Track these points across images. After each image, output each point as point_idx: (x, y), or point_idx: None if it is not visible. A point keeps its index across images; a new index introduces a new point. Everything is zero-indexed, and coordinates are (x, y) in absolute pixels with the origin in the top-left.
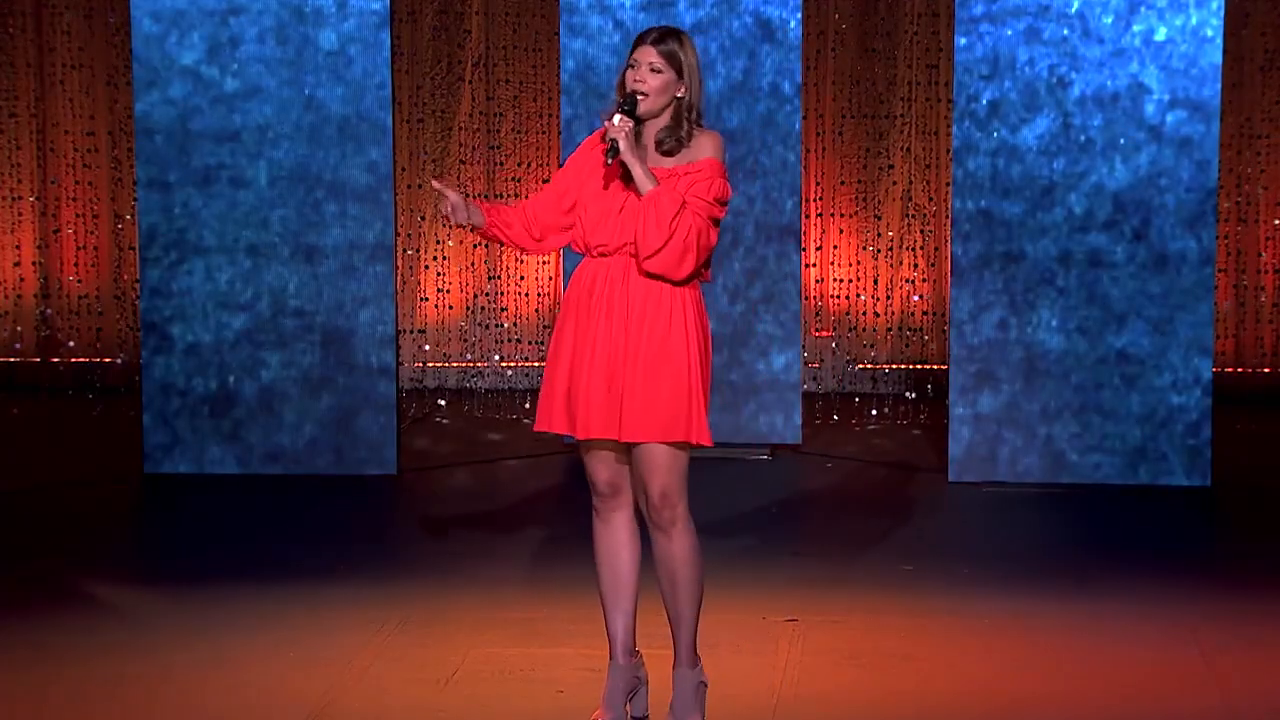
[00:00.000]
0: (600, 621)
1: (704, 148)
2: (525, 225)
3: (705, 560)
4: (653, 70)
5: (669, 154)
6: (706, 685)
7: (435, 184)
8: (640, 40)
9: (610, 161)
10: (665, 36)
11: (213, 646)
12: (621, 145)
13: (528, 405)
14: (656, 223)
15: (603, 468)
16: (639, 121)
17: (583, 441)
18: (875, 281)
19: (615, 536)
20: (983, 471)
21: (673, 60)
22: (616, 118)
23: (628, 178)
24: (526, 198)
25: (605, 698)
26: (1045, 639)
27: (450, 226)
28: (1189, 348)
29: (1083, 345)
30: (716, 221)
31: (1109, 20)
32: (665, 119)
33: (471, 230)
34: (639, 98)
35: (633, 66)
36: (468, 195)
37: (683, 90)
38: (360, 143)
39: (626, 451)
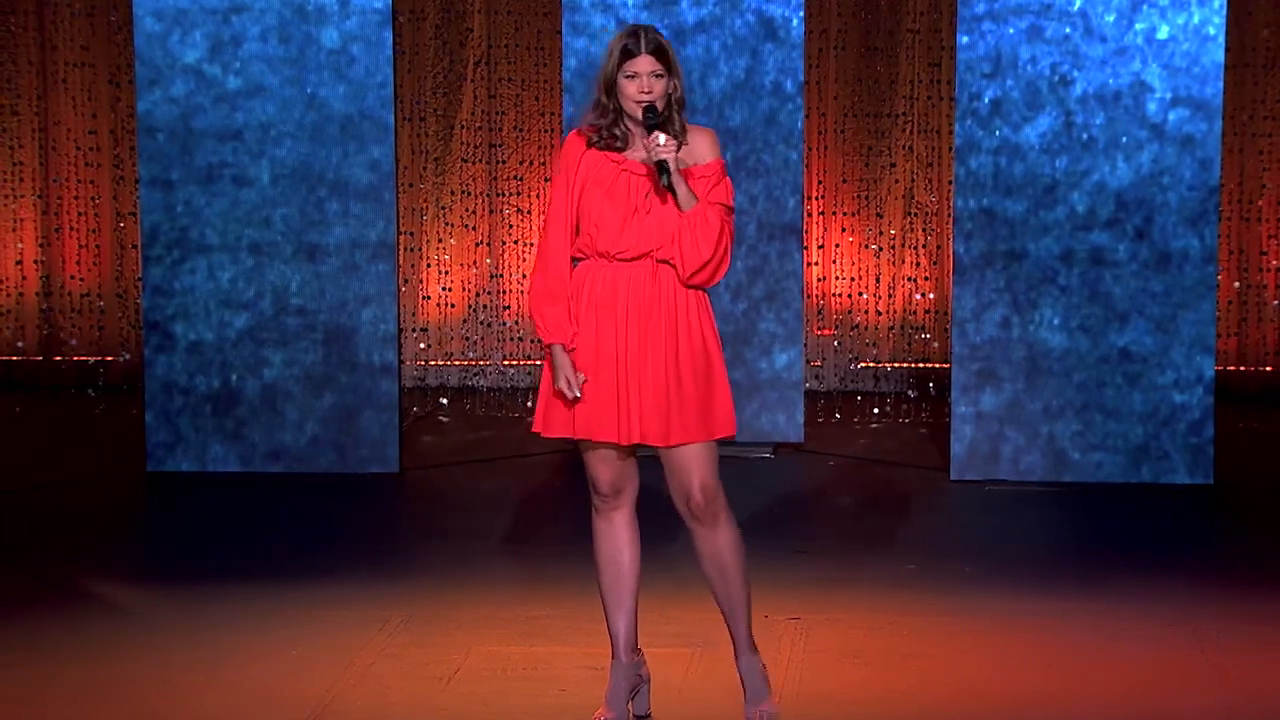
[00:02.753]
0: (602, 620)
1: (704, 147)
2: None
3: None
4: (655, 76)
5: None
6: (766, 668)
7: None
8: (630, 52)
9: (665, 182)
10: (656, 41)
11: (213, 646)
12: (672, 166)
13: (529, 404)
14: (706, 239)
15: (605, 468)
16: (642, 125)
17: (585, 442)
18: (877, 280)
19: (617, 535)
20: (985, 470)
21: (665, 59)
22: (662, 137)
23: (642, 184)
24: (547, 249)
25: (608, 696)
26: (1047, 637)
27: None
28: (1191, 346)
29: (1085, 344)
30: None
31: (1111, 18)
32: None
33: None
34: (656, 105)
35: (631, 77)
36: (568, 349)
37: (674, 85)
38: (362, 141)
39: (631, 453)
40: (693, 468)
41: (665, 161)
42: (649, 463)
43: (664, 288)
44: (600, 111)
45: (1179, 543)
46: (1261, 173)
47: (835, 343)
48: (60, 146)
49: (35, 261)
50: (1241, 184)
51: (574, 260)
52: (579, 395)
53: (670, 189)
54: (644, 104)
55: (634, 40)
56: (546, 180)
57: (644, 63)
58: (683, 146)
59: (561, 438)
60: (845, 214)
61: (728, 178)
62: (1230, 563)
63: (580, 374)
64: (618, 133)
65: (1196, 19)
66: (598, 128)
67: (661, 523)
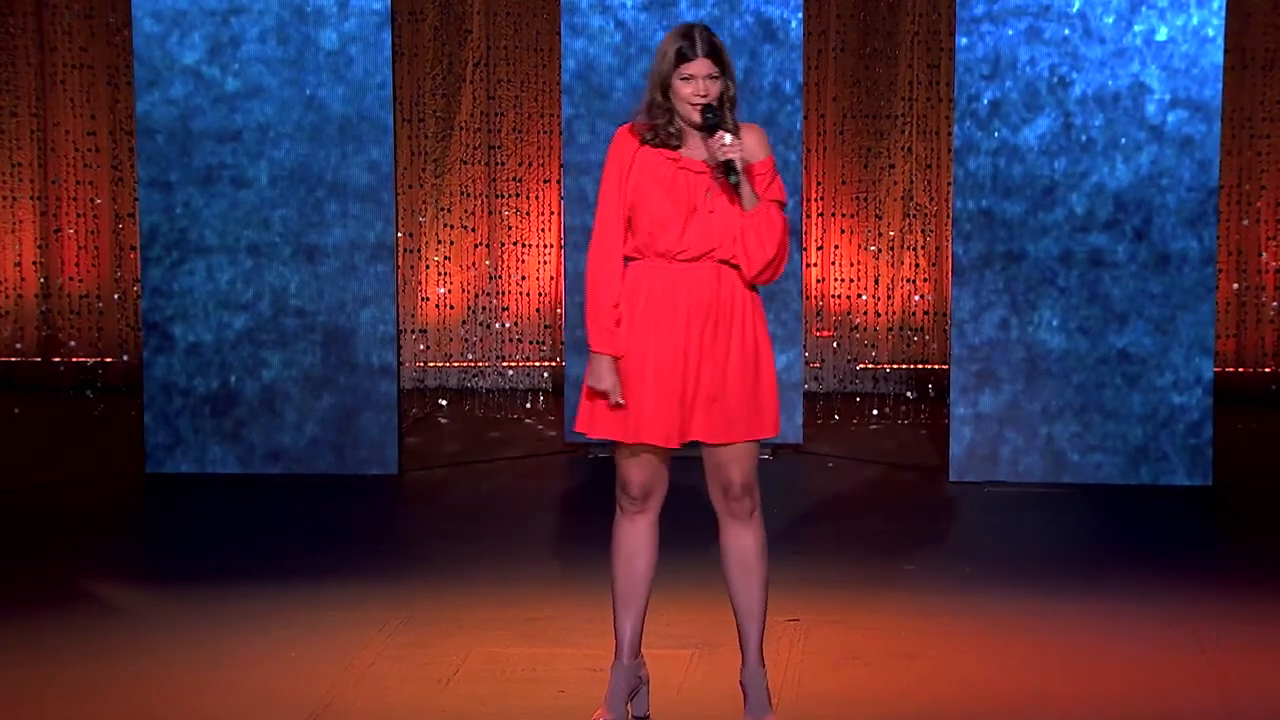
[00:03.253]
0: (604, 621)
1: (755, 145)
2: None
3: (706, 559)
4: (711, 79)
5: None
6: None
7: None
8: (685, 55)
9: (735, 181)
10: (711, 42)
11: (213, 646)
12: (739, 164)
13: (529, 405)
14: (770, 236)
15: (639, 470)
16: (700, 126)
17: (620, 443)
18: (876, 281)
19: (638, 539)
20: (984, 471)
21: (721, 62)
22: (727, 137)
23: (701, 183)
24: (605, 250)
25: (608, 697)
26: (1046, 638)
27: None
28: (1190, 347)
29: (1084, 345)
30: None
31: (1110, 20)
32: None
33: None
34: (714, 105)
35: (687, 80)
36: (612, 360)
37: (728, 86)
38: (361, 142)
39: (668, 457)
40: (735, 463)
41: (732, 161)
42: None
43: (724, 288)
44: (655, 111)
45: (1178, 544)
46: (1260, 174)
47: (834, 344)
48: (59, 148)
49: (34, 263)
50: (1240, 185)
51: (626, 259)
52: (621, 403)
53: (736, 189)
54: (702, 105)
55: (689, 43)
56: (545, 181)
57: (700, 65)
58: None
59: (603, 439)
60: (844, 215)
61: (779, 176)
62: (1230, 563)
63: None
64: (673, 130)
65: (1195, 20)
66: (653, 126)
67: (663, 524)
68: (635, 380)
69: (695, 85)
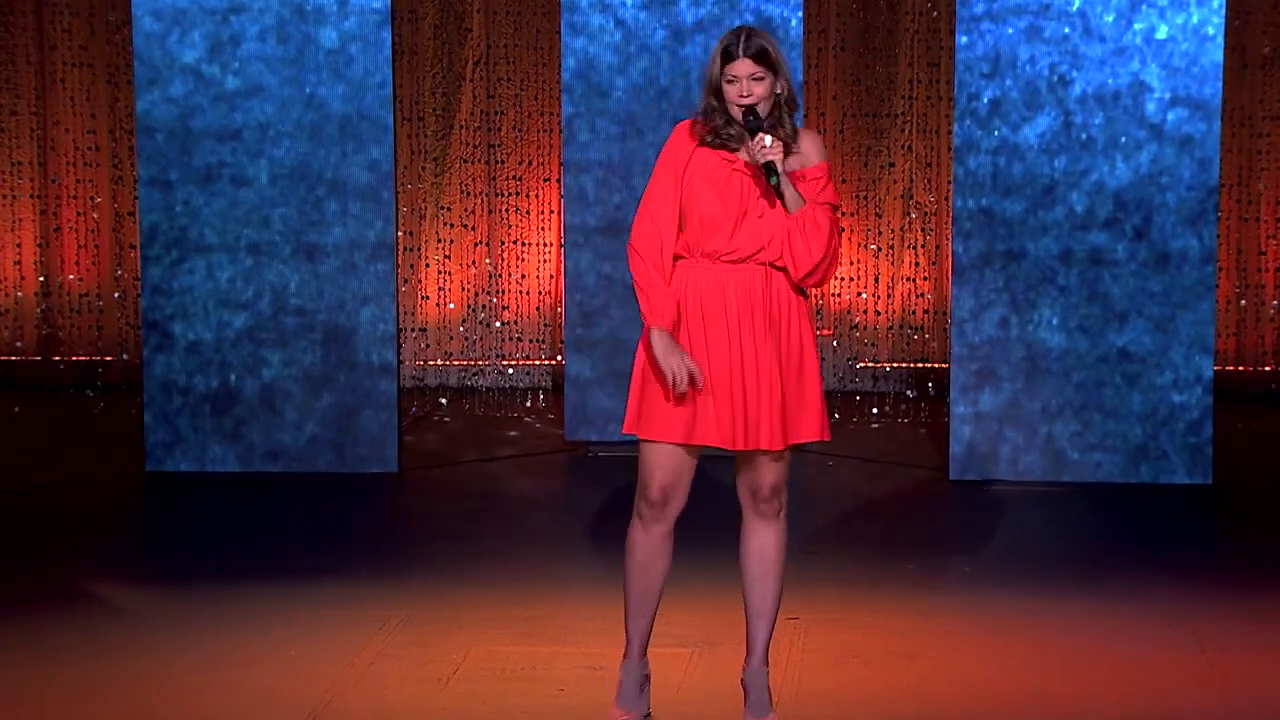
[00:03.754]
0: (603, 620)
1: (812, 149)
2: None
3: (707, 558)
4: (755, 80)
5: (785, 155)
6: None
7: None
8: (729, 54)
9: (775, 183)
10: (755, 42)
11: (213, 646)
12: (780, 167)
13: (529, 404)
14: (818, 240)
15: (662, 473)
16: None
17: (645, 444)
18: (876, 280)
19: (654, 545)
20: (984, 470)
21: (767, 62)
22: (768, 139)
23: (754, 185)
24: (657, 233)
25: (620, 697)
26: (1046, 637)
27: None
28: (1190, 346)
29: (1084, 344)
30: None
31: (1110, 18)
32: (770, 116)
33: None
34: (756, 108)
35: (732, 81)
36: (671, 332)
37: (780, 86)
38: (361, 141)
39: (693, 464)
40: (768, 465)
41: (773, 163)
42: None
43: (773, 289)
44: (710, 115)
45: (1178, 542)
46: (1261, 173)
47: (834, 343)
48: (59, 146)
49: (34, 262)
50: (1241, 184)
51: (675, 258)
52: (697, 383)
53: (778, 191)
54: (743, 107)
55: (734, 43)
56: (545, 180)
57: (742, 66)
58: (794, 151)
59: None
60: (844, 214)
61: (833, 181)
62: (1230, 563)
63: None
64: (732, 132)
65: (1195, 19)
66: (712, 128)
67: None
68: (719, 384)
69: (739, 86)
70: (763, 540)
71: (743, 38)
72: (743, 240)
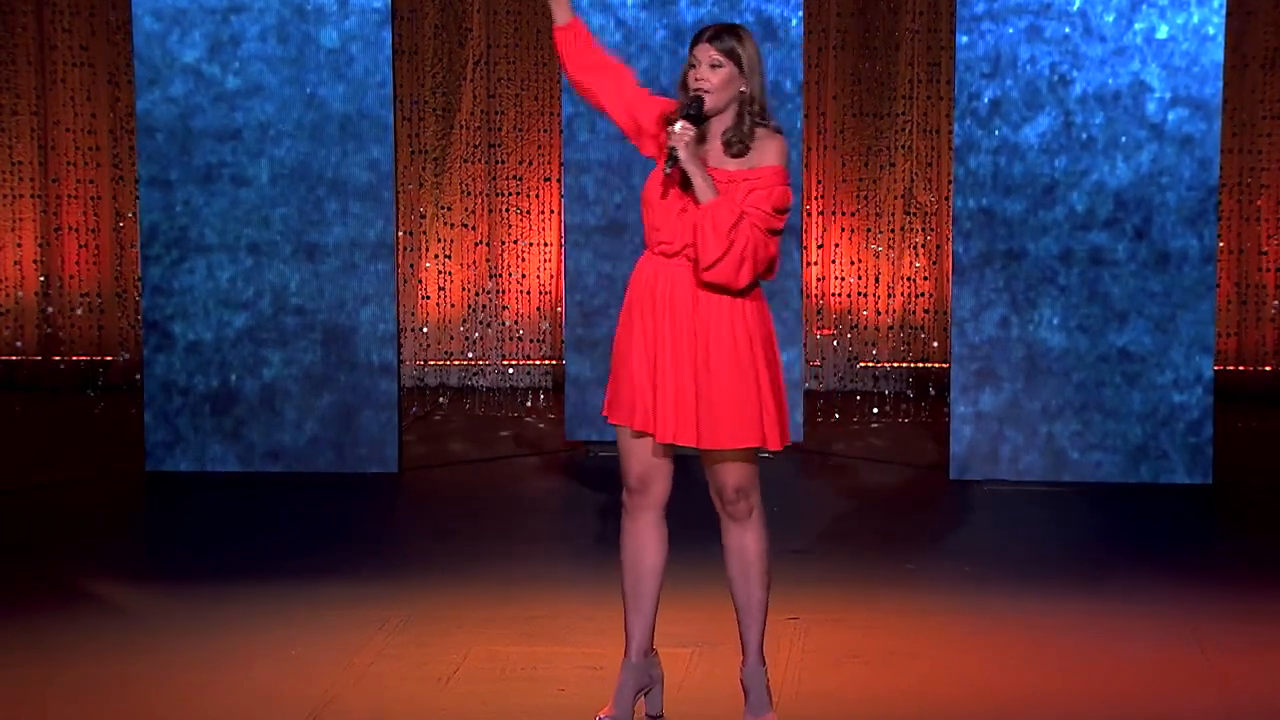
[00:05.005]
0: (603, 620)
1: (768, 153)
2: (618, 91)
3: (708, 558)
4: (713, 66)
5: (737, 155)
6: (769, 681)
7: None
8: (697, 38)
9: (670, 170)
10: (722, 32)
11: (213, 646)
12: (682, 155)
13: (529, 403)
14: (715, 234)
15: (637, 461)
16: (705, 120)
17: (621, 431)
18: (876, 280)
19: (642, 536)
20: (984, 470)
21: (732, 55)
22: (678, 124)
23: (688, 183)
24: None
25: (615, 695)
26: (1046, 637)
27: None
28: (1190, 346)
29: (1084, 343)
30: (776, 231)
31: (1110, 18)
32: (729, 116)
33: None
34: (704, 96)
35: (693, 65)
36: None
37: (745, 85)
38: (361, 140)
39: (666, 451)
40: (726, 468)
41: (674, 149)
42: (682, 463)
43: (697, 289)
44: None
45: (1178, 542)
46: (1261, 172)
47: (834, 342)
48: (59, 146)
49: (34, 261)
50: (1241, 184)
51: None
52: None
53: (680, 176)
54: (696, 91)
55: (702, 30)
56: (545, 179)
57: (703, 50)
58: (749, 152)
59: (624, 426)
60: (844, 214)
61: (782, 186)
62: (1230, 563)
63: None
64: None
65: (1196, 19)
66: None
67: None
68: (621, 364)
69: (698, 69)
70: (738, 542)
71: (713, 28)
72: (674, 233)
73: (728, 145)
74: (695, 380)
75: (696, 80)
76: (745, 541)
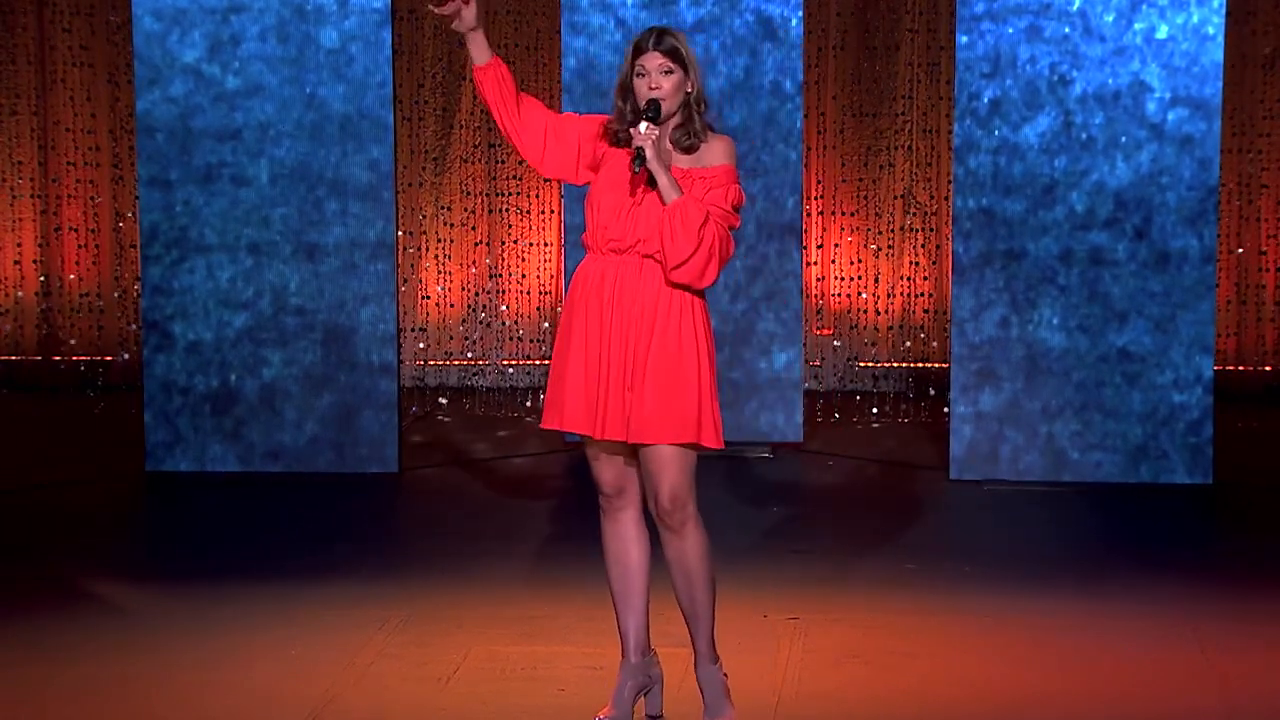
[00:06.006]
0: (603, 620)
1: (717, 152)
2: (544, 133)
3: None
4: (665, 73)
5: (687, 150)
6: (727, 677)
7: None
8: (640, 48)
9: (637, 170)
10: (663, 37)
11: (213, 646)
12: (648, 154)
13: (529, 403)
14: (685, 232)
15: (608, 468)
16: (661, 123)
17: (588, 440)
18: (876, 280)
19: (623, 534)
20: (984, 470)
21: (677, 58)
22: (643, 125)
23: (651, 181)
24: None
25: (613, 695)
26: (1046, 637)
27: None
28: (1190, 346)
29: (1084, 343)
30: (733, 229)
31: (1110, 18)
32: (678, 116)
33: (468, 55)
34: (661, 102)
35: (641, 75)
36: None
37: (690, 84)
38: (361, 141)
39: (633, 452)
40: (662, 471)
41: (642, 149)
42: None
43: (647, 282)
44: (619, 115)
45: (1178, 542)
46: (1261, 172)
47: (834, 342)
48: (59, 146)
49: (34, 261)
50: (1241, 184)
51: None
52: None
53: (650, 180)
54: (652, 99)
55: (645, 39)
56: (546, 180)
57: (651, 59)
58: (699, 148)
59: (559, 430)
60: (844, 214)
61: (736, 185)
62: (1230, 563)
63: (465, 15)
64: (630, 119)
65: (1196, 19)
66: (616, 131)
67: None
68: (560, 368)
69: (648, 79)
70: (676, 552)
71: (654, 34)
72: (625, 229)
73: (676, 142)
74: (633, 375)
75: (651, 90)
76: (684, 550)
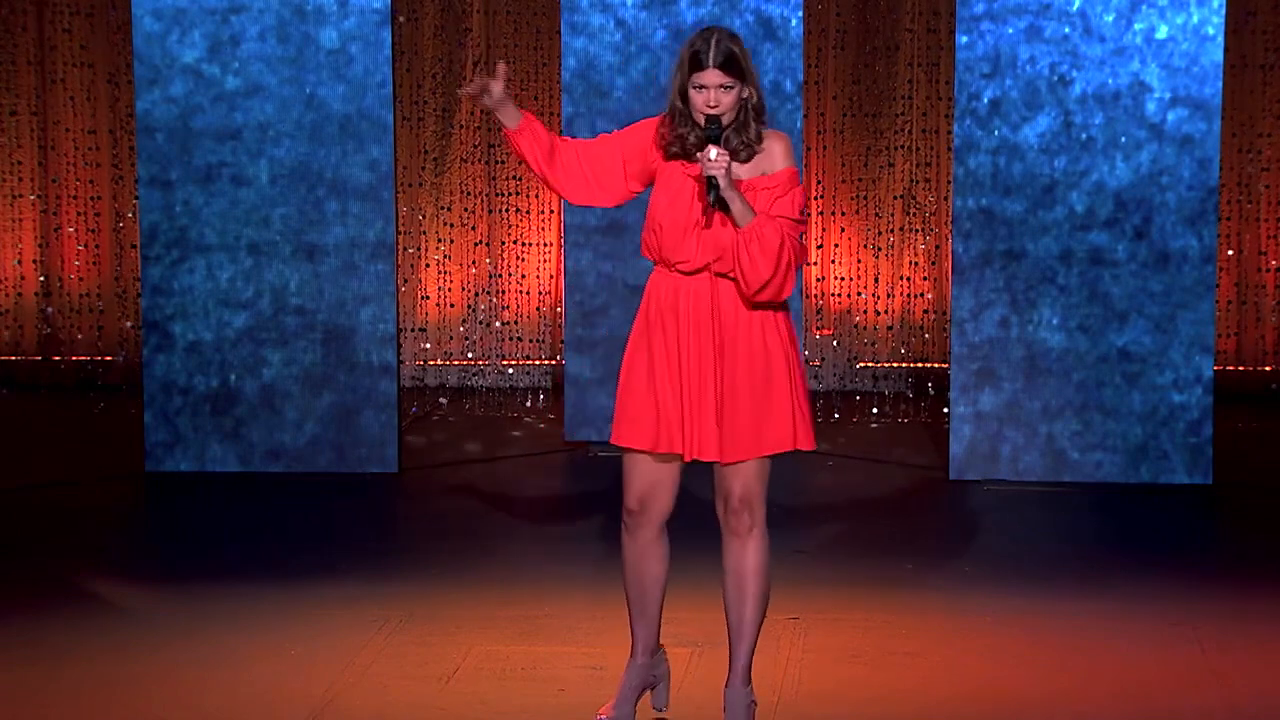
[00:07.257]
0: (604, 619)
1: (777, 155)
2: (582, 172)
3: (711, 558)
4: (724, 89)
5: (744, 161)
6: (756, 705)
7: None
8: (699, 63)
9: (713, 199)
10: (723, 48)
11: (213, 646)
12: (722, 183)
13: (529, 404)
14: (764, 258)
15: (638, 481)
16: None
17: (632, 453)
18: (876, 280)
19: (642, 552)
20: (984, 470)
21: (735, 70)
22: (714, 151)
23: (723, 205)
24: (569, 142)
25: (617, 694)
26: (1046, 637)
27: (472, 105)
28: (1190, 346)
29: (1084, 343)
30: (803, 235)
31: (1110, 18)
32: (733, 122)
33: (499, 123)
34: (720, 118)
35: (700, 90)
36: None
37: (748, 92)
38: (361, 141)
39: (672, 471)
40: (738, 476)
41: (714, 178)
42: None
43: (723, 301)
44: (676, 118)
45: (1178, 542)
46: (1261, 172)
47: (834, 342)
48: (59, 146)
49: (34, 261)
50: (1241, 184)
51: (652, 263)
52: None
53: (720, 205)
54: (713, 116)
55: (704, 49)
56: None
57: (711, 76)
58: (756, 155)
59: (631, 448)
60: (844, 214)
61: (800, 188)
62: (1230, 563)
63: (495, 93)
64: (693, 140)
65: (1195, 19)
66: (675, 137)
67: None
68: (640, 387)
69: (706, 96)
70: (736, 559)
71: (712, 44)
72: (695, 250)
73: (734, 152)
74: (722, 395)
75: (710, 106)
76: (745, 559)
